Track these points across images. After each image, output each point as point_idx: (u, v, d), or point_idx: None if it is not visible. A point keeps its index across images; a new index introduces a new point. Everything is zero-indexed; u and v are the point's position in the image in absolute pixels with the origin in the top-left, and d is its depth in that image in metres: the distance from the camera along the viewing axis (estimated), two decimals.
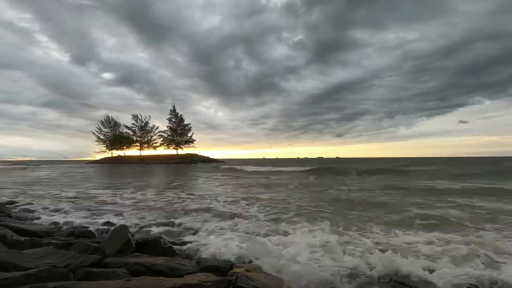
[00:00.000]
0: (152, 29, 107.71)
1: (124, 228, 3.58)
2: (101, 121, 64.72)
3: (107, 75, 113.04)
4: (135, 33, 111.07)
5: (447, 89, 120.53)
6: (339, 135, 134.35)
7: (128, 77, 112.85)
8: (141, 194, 9.56)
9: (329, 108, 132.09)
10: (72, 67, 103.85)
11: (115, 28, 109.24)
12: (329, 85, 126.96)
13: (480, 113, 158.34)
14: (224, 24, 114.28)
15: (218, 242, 3.73)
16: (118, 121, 65.84)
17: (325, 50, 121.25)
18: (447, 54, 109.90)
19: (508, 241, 3.98)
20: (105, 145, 64.63)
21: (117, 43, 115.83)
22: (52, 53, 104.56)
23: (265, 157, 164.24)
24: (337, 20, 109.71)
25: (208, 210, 6.69)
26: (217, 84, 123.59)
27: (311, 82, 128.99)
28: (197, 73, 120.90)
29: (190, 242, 3.81)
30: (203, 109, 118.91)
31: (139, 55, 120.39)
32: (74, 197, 8.95)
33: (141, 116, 65.17)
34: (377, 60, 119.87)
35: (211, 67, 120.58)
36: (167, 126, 63.97)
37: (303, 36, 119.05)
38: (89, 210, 6.72)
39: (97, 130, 64.18)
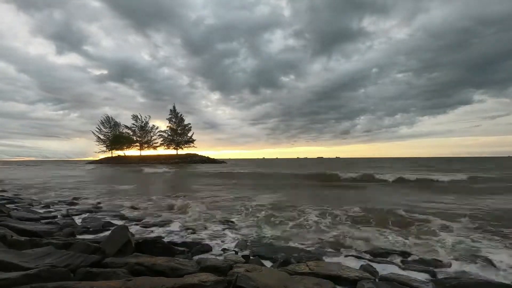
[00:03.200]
0: (148, 22, 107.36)
1: (124, 228, 3.58)
2: (101, 121, 64.75)
3: (102, 72, 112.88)
4: (131, 27, 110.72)
5: (450, 87, 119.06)
6: (340, 135, 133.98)
7: (124, 74, 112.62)
8: None
9: (329, 107, 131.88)
10: (66, 63, 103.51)
11: (109, 21, 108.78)
12: (330, 83, 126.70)
13: (482, 112, 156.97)
14: (222, 15, 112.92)
15: None
16: (118, 121, 65.90)
17: (327, 43, 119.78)
18: (455, 47, 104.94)
19: None
20: (105, 145, 64.65)
21: (113, 39, 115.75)
22: (40, 46, 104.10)
23: (265, 157, 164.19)
24: (341, 5, 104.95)
25: None
26: (217, 81, 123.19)
27: (312, 80, 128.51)
28: (195, 69, 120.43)
29: None
30: (203, 108, 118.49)
31: (136, 51, 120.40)
32: None
33: (141, 116, 65.18)
34: (380, 56, 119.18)
35: (209, 63, 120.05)
36: (167, 126, 63.98)
37: (305, 27, 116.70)
38: None
39: (97, 130, 64.22)
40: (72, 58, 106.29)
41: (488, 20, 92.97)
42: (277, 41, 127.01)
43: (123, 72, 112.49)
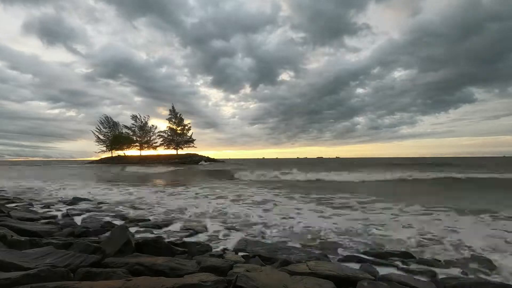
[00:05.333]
0: (144, 20, 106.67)
1: (124, 228, 3.58)
2: (100, 121, 64.85)
3: (98, 69, 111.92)
4: (126, 24, 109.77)
5: (453, 85, 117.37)
6: (340, 135, 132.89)
7: (121, 72, 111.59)
8: None
9: (329, 106, 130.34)
10: (63, 61, 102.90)
11: (105, 18, 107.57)
12: (330, 81, 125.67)
13: (485, 112, 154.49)
14: (219, 11, 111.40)
15: None
16: (116, 121, 66.02)
17: (328, 39, 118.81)
18: (457, 44, 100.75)
19: None
20: (104, 145, 64.74)
21: (110, 36, 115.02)
22: (33, 44, 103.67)
23: (265, 157, 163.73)
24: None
25: None
26: (216, 80, 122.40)
27: (311, 78, 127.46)
28: (193, 66, 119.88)
29: None
30: (202, 107, 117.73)
31: (133, 48, 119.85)
32: None
33: (140, 116, 65.25)
34: (381, 54, 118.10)
35: (207, 61, 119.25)
36: (167, 126, 64.06)
37: (305, 21, 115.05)
38: None
39: (97, 130, 64.31)
40: (69, 57, 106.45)
41: (492, 16, 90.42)
42: (277, 37, 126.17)
43: (120, 70, 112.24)
